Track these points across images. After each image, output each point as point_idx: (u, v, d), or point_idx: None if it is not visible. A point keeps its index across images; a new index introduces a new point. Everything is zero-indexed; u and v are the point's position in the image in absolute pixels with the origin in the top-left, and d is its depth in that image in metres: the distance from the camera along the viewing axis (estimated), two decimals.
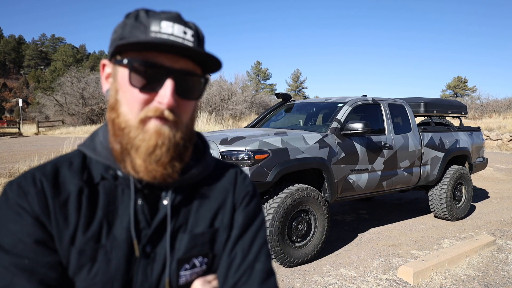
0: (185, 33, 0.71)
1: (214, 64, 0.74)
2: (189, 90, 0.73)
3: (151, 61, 0.69)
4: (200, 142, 0.85)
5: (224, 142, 3.88)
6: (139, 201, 0.74)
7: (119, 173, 0.74)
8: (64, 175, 0.73)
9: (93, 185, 0.73)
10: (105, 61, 0.77)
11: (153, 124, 0.69)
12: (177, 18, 0.71)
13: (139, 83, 0.69)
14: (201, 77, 0.75)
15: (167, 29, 0.69)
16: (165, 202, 0.76)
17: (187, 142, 0.74)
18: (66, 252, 0.69)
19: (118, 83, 0.71)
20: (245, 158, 3.67)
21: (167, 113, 0.69)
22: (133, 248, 0.72)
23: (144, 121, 0.69)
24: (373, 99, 5.12)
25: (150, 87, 0.69)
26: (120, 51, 0.70)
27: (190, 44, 0.71)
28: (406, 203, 7.01)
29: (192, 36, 0.72)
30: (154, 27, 0.69)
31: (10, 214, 0.67)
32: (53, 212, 0.69)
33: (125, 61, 0.69)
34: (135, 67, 0.68)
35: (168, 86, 0.69)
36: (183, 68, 0.71)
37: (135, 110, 0.69)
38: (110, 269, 0.70)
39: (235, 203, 0.83)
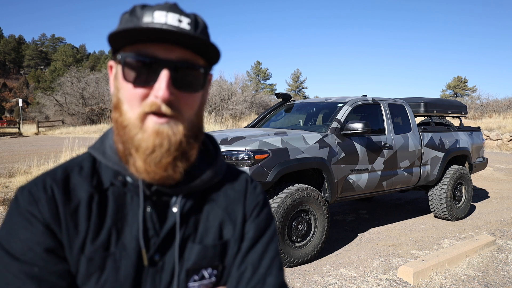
0: (180, 21, 0.66)
1: (213, 52, 0.69)
2: (189, 82, 0.68)
3: (142, 53, 0.66)
4: (211, 146, 0.82)
5: (224, 142, 3.88)
6: (148, 209, 0.72)
7: (128, 179, 0.71)
8: (75, 181, 0.71)
9: (102, 191, 0.72)
10: (111, 62, 0.74)
11: (151, 122, 0.66)
12: (171, 7, 0.67)
13: (131, 77, 0.66)
14: (200, 67, 0.69)
15: (160, 19, 0.65)
16: (174, 209, 0.73)
17: (192, 139, 0.70)
18: (76, 260, 0.68)
19: (118, 81, 0.69)
20: (245, 158, 3.67)
21: (164, 108, 0.65)
22: (141, 257, 0.70)
23: (142, 118, 0.66)
24: (373, 99, 5.12)
25: (144, 80, 0.66)
26: (117, 48, 0.69)
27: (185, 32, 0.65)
28: (406, 203, 7.01)
29: (189, 24, 0.67)
30: (146, 19, 0.66)
31: (21, 222, 0.66)
32: (64, 220, 0.68)
33: (119, 56, 0.67)
34: (127, 61, 0.66)
35: (163, 78, 0.65)
36: (180, 58, 0.67)
37: (134, 107, 0.66)
38: (119, 278, 0.68)
39: (246, 214, 0.80)
